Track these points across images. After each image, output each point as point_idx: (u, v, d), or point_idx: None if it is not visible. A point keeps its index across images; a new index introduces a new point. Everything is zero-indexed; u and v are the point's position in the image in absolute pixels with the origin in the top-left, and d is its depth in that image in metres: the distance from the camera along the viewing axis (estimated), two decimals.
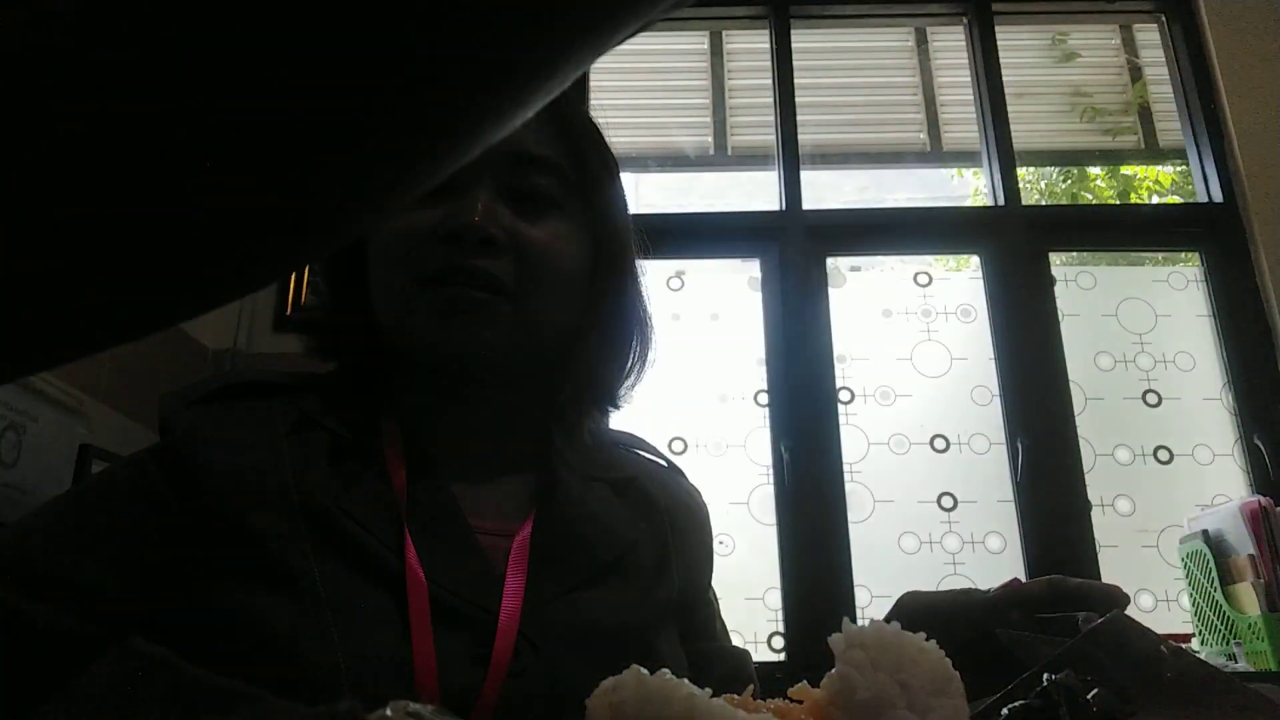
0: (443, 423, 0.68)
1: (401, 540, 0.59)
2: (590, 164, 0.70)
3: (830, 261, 2.26)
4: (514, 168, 0.65)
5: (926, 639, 0.36)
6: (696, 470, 2.06)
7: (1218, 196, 2.24)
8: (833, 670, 0.37)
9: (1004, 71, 2.41)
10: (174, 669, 0.24)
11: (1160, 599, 1.99)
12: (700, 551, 0.77)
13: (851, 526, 2.03)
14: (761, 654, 1.96)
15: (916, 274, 2.28)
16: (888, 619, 0.48)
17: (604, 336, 0.71)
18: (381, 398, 0.69)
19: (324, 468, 0.61)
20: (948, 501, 2.08)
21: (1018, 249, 2.23)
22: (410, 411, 0.68)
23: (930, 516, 2.07)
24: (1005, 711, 0.35)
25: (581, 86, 2.36)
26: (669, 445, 2.12)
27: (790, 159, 2.33)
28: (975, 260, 2.28)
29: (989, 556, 2.03)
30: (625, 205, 0.73)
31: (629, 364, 0.74)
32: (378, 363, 0.69)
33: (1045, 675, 0.36)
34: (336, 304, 0.71)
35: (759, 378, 2.18)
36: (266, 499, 0.58)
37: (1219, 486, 2.05)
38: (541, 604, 0.60)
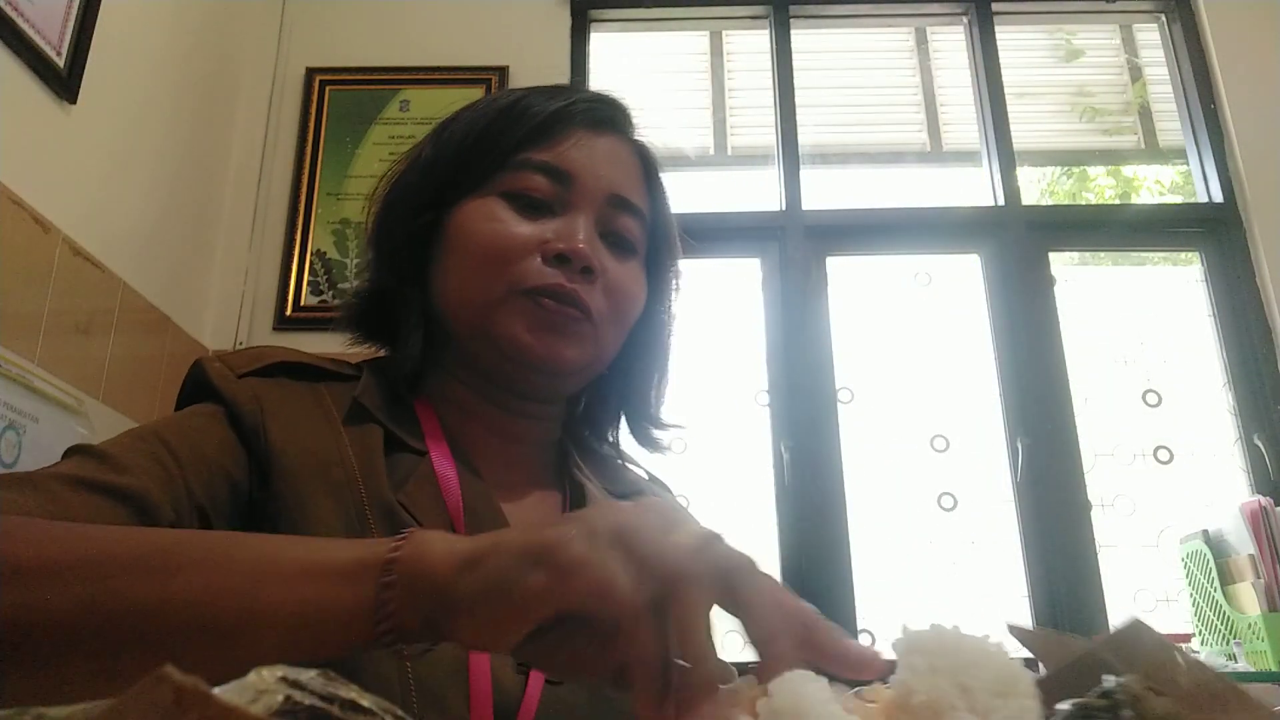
0: (483, 423, 0.70)
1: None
2: (663, 219, 0.76)
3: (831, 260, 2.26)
4: (611, 208, 0.70)
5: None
6: (696, 470, 2.08)
7: (1218, 196, 2.24)
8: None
9: (1004, 71, 2.41)
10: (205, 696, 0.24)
11: (1160, 599, 1.99)
12: None
13: (851, 526, 2.03)
14: None
15: (916, 274, 2.28)
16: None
17: (641, 367, 0.77)
18: (418, 389, 0.70)
19: (380, 462, 0.62)
20: (948, 501, 2.08)
21: (1018, 249, 2.23)
22: (450, 405, 0.69)
23: (930, 516, 2.07)
24: (1069, 706, 0.34)
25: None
26: None
27: (790, 159, 2.33)
28: (976, 259, 2.28)
29: (989, 556, 2.03)
30: (680, 257, 0.79)
31: (660, 391, 0.79)
32: (426, 350, 0.70)
33: (1108, 677, 0.35)
34: (398, 283, 0.71)
35: (759, 377, 2.18)
36: (335, 488, 0.59)
37: (1219, 486, 2.05)
38: None
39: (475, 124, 0.71)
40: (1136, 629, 0.39)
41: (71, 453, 0.55)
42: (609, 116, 0.73)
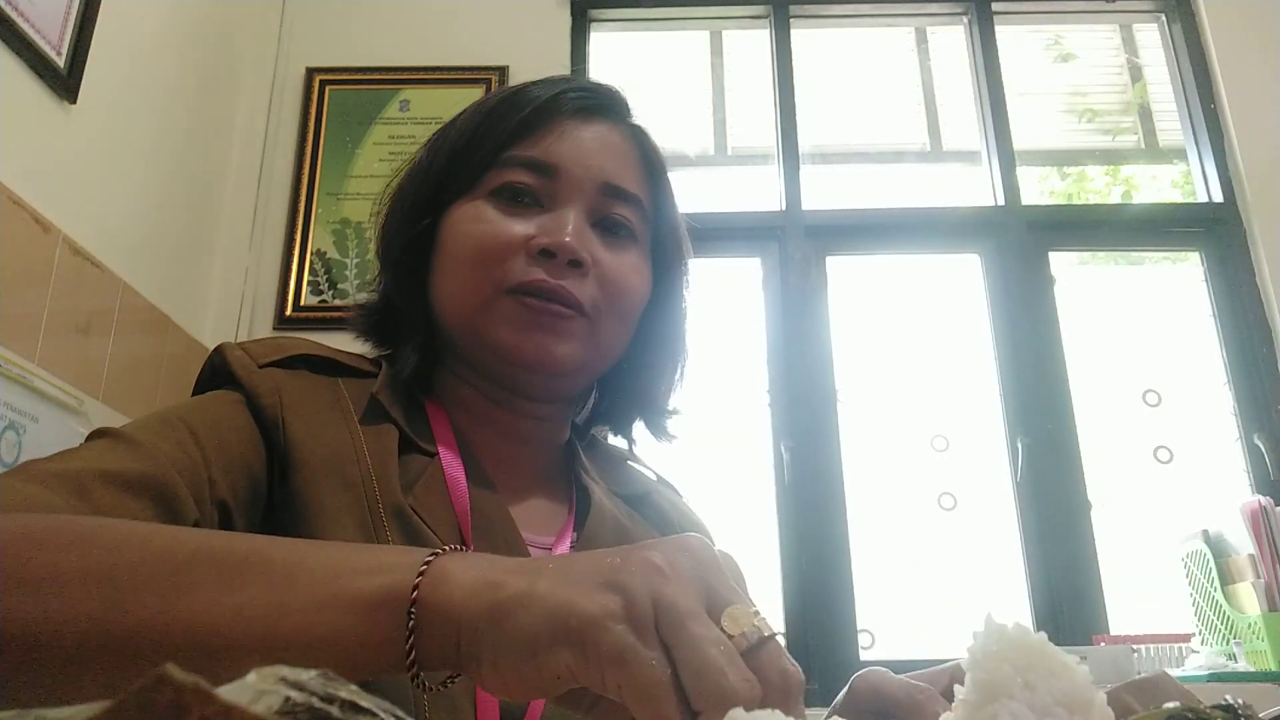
0: (490, 426, 0.69)
1: (465, 548, 0.59)
2: (665, 206, 0.74)
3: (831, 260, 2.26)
4: (604, 198, 0.68)
5: None
6: (697, 470, 2.08)
7: (1218, 196, 2.24)
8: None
9: (1004, 71, 2.41)
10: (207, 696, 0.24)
11: (1160, 599, 1.99)
12: None
13: (851, 526, 2.03)
14: None
15: (917, 274, 2.28)
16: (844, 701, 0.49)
17: (655, 360, 0.75)
18: (430, 390, 0.70)
19: (394, 462, 0.61)
20: (948, 501, 2.08)
21: (1018, 249, 2.23)
22: (458, 407, 0.69)
23: (930, 516, 2.07)
24: (1174, 705, 0.34)
25: None
26: None
27: (790, 159, 2.33)
28: (976, 259, 2.28)
29: (989, 556, 2.03)
30: (687, 244, 0.77)
31: (673, 384, 0.77)
32: (430, 353, 0.70)
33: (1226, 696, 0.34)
34: (399, 291, 0.70)
35: (759, 378, 2.18)
36: (349, 486, 0.58)
37: (1219, 486, 2.05)
38: None
39: (465, 127, 0.70)
40: (1162, 680, 0.39)
41: (97, 435, 0.55)
42: (599, 104, 0.72)
